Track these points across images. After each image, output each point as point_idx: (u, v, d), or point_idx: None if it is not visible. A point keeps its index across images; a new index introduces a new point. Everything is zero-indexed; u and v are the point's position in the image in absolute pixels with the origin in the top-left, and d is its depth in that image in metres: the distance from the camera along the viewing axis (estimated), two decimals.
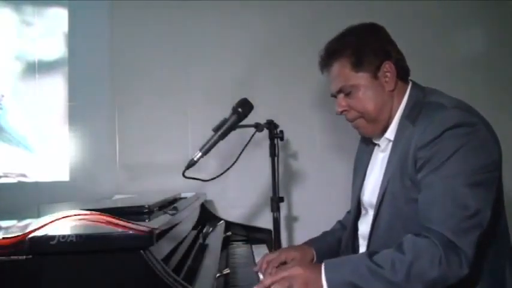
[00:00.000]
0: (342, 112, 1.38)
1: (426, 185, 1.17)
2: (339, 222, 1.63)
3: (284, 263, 1.42)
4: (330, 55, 1.36)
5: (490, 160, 1.18)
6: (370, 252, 1.16)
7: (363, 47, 1.32)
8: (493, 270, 1.23)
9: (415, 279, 1.07)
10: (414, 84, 1.37)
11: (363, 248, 1.40)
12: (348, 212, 1.63)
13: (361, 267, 1.10)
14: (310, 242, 1.53)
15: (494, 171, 1.20)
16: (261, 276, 1.36)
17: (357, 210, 1.47)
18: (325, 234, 1.59)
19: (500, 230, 1.26)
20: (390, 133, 1.34)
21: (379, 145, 1.42)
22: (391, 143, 1.33)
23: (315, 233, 1.62)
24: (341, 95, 1.36)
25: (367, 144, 1.49)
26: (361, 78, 1.31)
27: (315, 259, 1.47)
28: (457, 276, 1.09)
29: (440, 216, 1.12)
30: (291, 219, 2.23)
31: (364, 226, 1.41)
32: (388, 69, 1.31)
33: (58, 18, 2.19)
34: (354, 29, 1.37)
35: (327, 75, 1.39)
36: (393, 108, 1.34)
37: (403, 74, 1.34)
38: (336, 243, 1.53)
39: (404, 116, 1.31)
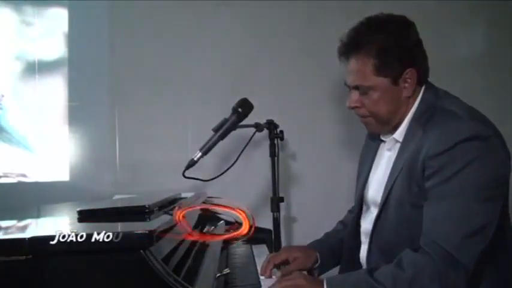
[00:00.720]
0: (353, 108, 1.35)
1: (433, 196, 1.17)
2: (341, 222, 1.62)
3: (286, 261, 1.43)
4: (353, 47, 1.29)
5: (500, 174, 1.18)
6: (371, 269, 1.17)
7: (389, 49, 1.25)
8: (497, 279, 1.23)
9: None
10: (428, 85, 1.33)
11: (365, 246, 1.40)
12: (349, 211, 1.62)
13: (362, 285, 1.12)
14: (314, 245, 1.53)
15: (503, 186, 1.19)
16: (261, 277, 1.37)
17: (359, 206, 1.46)
18: (327, 236, 1.59)
19: (506, 241, 1.26)
20: (399, 134, 1.32)
21: (385, 142, 1.40)
22: (398, 144, 1.32)
23: (314, 233, 1.62)
24: (356, 91, 1.32)
25: (374, 140, 1.47)
26: (381, 83, 1.27)
27: (318, 261, 1.48)
28: None
29: (445, 230, 1.12)
30: (290, 220, 2.23)
31: (367, 224, 1.40)
32: (410, 76, 1.27)
33: (58, 18, 2.19)
34: (385, 24, 1.30)
35: (344, 64, 1.33)
36: (406, 111, 1.31)
37: (423, 80, 1.31)
38: (338, 245, 1.53)
39: (414, 119, 1.28)
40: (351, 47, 1.30)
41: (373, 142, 1.47)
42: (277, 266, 1.43)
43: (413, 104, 1.31)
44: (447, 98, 1.29)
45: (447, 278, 1.09)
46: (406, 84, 1.28)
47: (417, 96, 1.31)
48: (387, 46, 1.25)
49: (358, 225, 1.46)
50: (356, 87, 1.31)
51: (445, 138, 1.16)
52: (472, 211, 1.12)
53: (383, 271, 1.13)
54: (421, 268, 1.10)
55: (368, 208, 1.43)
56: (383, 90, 1.27)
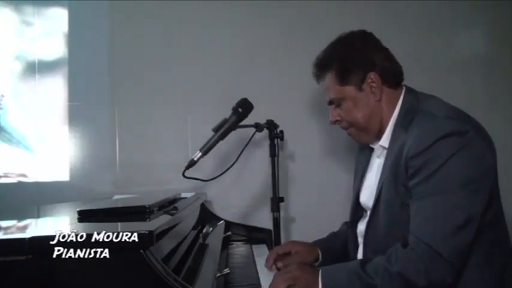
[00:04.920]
0: (334, 122, 1.45)
1: (417, 194, 1.20)
2: (346, 223, 1.65)
3: (288, 253, 1.49)
4: (319, 68, 1.42)
5: (482, 168, 1.19)
6: (363, 261, 1.22)
7: (347, 60, 1.36)
8: (492, 274, 1.24)
9: None
10: (408, 90, 1.37)
11: (361, 247, 1.45)
12: None
13: (354, 276, 1.17)
14: (317, 243, 1.58)
15: (486, 179, 1.20)
16: (260, 276, 1.38)
17: (354, 212, 1.51)
18: (331, 235, 1.64)
19: (499, 230, 1.27)
20: (384, 140, 1.37)
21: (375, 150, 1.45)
22: (386, 150, 1.35)
23: (313, 233, 1.63)
24: (332, 106, 1.43)
25: (366, 147, 1.52)
26: (347, 91, 1.36)
27: (320, 258, 1.53)
28: (443, 283, 1.14)
29: (429, 228, 1.15)
30: (289, 220, 2.23)
31: (362, 226, 1.46)
32: (373, 79, 1.33)
33: (58, 18, 2.19)
34: (341, 41, 1.41)
35: (321, 86, 1.45)
36: (385, 116, 1.36)
37: (391, 81, 1.36)
38: (340, 245, 1.58)
39: (398, 124, 1.32)
40: (318, 68, 1.42)
41: (365, 150, 1.52)
42: (280, 259, 1.48)
43: (393, 108, 1.35)
44: (427, 100, 1.33)
45: (433, 273, 1.12)
46: (373, 89, 1.34)
47: (396, 101, 1.36)
48: (344, 56, 1.37)
49: (354, 229, 1.50)
50: (331, 102, 1.42)
51: (423, 138, 1.19)
52: (455, 207, 1.14)
53: (373, 264, 1.18)
54: (408, 264, 1.14)
55: (366, 213, 1.48)
56: (352, 98, 1.36)
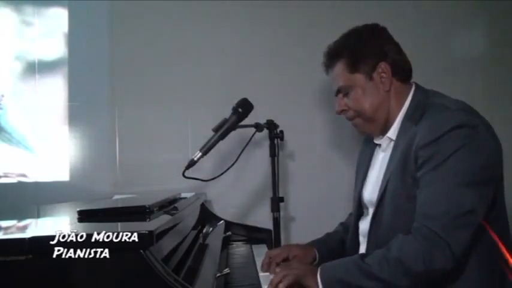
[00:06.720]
0: (341, 111, 1.42)
1: (424, 183, 1.20)
2: (341, 224, 1.65)
3: (287, 259, 1.47)
4: (330, 57, 1.41)
5: (489, 162, 1.20)
6: (363, 254, 1.22)
7: (359, 49, 1.36)
8: (492, 268, 1.24)
9: (400, 275, 1.13)
10: (418, 86, 1.38)
11: (363, 246, 1.44)
12: (350, 214, 1.64)
13: (352, 267, 1.17)
14: (313, 243, 1.57)
15: (492, 173, 1.21)
16: (261, 273, 1.39)
17: (357, 210, 1.50)
18: (327, 235, 1.63)
19: (500, 230, 1.27)
20: (392, 133, 1.37)
21: (380, 145, 1.45)
22: (392, 143, 1.35)
23: (312, 232, 1.63)
24: (340, 95, 1.41)
25: (369, 145, 1.52)
26: (357, 79, 1.36)
27: (317, 259, 1.52)
28: (442, 270, 1.13)
29: (434, 213, 1.15)
30: (289, 219, 2.23)
31: (364, 224, 1.44)
32: (383, 69, 1.34)
33: (58, 18, 2.19)
34: (355, 31, 1.41)
35: (330, 76, 1.43)
36: (392, 109, 1.36)
37: (401, 74, 1.36)
38: (337, 245, 1.57)
39: (406, 118, 1.32)
40: (329, 57, 1.41)
41: (369, 148, 1.52)
42: (278, 265, 1.46)
43: (402, 102, 1.36)
44: (436, 95, 1.34)
45: (433, 258, 1.11)
46: (382, 79, 1.34)
47: (405, 95, 1.36)
48: (356, 45, 1.36)
49: (357, 228, 1.49)
50: (339, 91, 1.41)
51: (433, 129, 1.20)
52: (460, 195, 1.15)
53: (373, 254, 1.18)
54: (407, 249, 1.14)
55: (367, 210, 1.47)
56: (361, 86, 1.36)
